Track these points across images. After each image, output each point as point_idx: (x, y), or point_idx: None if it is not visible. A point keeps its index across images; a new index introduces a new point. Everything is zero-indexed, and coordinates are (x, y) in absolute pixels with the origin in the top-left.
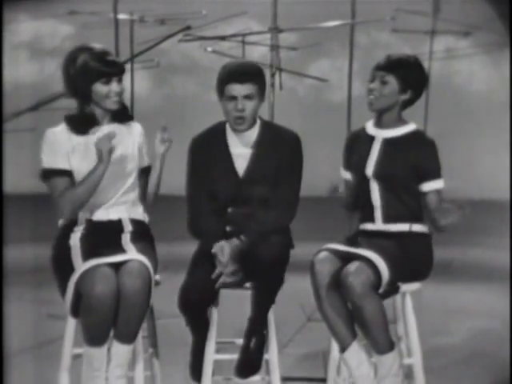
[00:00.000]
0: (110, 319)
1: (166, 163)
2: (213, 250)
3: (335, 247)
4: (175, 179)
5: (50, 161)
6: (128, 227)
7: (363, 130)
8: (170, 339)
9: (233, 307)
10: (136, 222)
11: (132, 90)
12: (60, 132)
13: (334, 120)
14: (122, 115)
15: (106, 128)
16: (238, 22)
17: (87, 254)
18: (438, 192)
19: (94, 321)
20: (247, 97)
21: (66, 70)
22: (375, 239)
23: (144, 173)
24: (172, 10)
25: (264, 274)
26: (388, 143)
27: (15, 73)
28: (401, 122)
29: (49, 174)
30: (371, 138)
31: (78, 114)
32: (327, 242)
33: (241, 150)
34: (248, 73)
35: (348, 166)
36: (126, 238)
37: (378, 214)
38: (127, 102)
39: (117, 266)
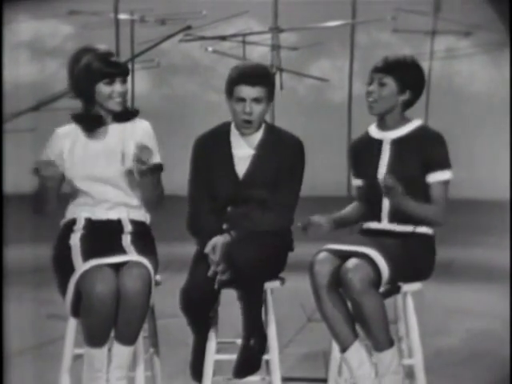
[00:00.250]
0: (110, 319)
1: (165, 162)
2: (205, 250)
3: (335, 247)
4: (176, 179)
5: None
6: (128, 228)
7: (367, 135)
8: (171, 339)
9: (233, 307)
10: (136, 223)
11: (132, 90)
12: (61, 133)
13: (334, 120)
14: (124, 115)
15: (110, 128)
16: (238, 21)
17: (87, 254)
18: (444, 183)
19: (93, 321)
20: (256, 100)
21: (70, 70)
22: (378, 237)
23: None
24: (172, 10)
25: (239, 279)
26: (397, 143)
27: (15, 73)
28: (404, 120)
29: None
30: (378, 142)
31: (84, 114)
32: (327, 242)
33: (243, 152)
34: (259, 76)
35: (358, 173)
36: (126, 239)
37: (386, 213)
38: (127, 102)
39: (117, 267)
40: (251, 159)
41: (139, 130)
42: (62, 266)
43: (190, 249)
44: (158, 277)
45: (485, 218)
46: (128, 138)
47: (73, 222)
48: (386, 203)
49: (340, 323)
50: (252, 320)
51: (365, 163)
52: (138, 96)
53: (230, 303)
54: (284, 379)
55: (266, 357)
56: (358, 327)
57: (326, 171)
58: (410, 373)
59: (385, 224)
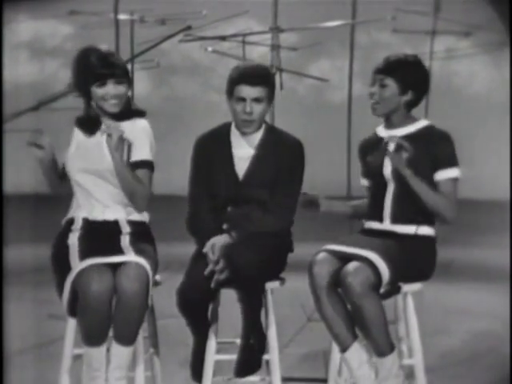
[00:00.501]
0: (107, 319)
1: (165, 163)
2: (204, 249)
3: (334, 248)
4: (175, 179)
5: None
6: (126, 229)
7: (375, 135)
8: (171, 339)
9: (233, 307)
10: (135, 223)
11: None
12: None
13: (334, 120)
14: (120, 115)
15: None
16: (238, 22)
17: (84, 254)
18: (452, 181)
19: (90, 320)
20: (256, 100)
21: (71, 70)
22: (379, 238)
23: (135, 167)
24: (172, 10)
25: (239, 281)
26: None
27: (15, 73)
28: (411, 119)
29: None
30: (385, 141)
31: (84, 115)
32: (327, 242)
33: (243, 152)
34: (259, 76)
35: (365, 172)
36: (125, 240)
37: (387, 213)
38: (126, 103)
39: (115, 267)
40: (251, 159)
41: (137, 127)
42: (60, 265)
43: (189, 249)
44: (157, 277)
45: (485, 218)
46: (126, 134)
47: (72, 221)
48: (388, 203)
49: (339, 324)
50: (252, 320)
51: (372, 162)
52: (137, 96)
53: (230, 303)
54: (284, 379)
55: (265, 357)
56: (357, 329)
57: (325, 171)
58: (409, 373)
59: (386, 224)
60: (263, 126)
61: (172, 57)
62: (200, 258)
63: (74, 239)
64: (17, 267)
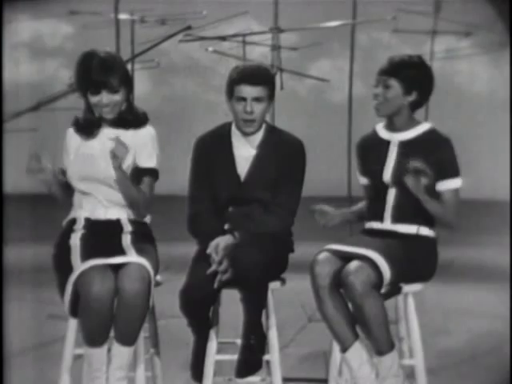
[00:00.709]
0: (109, 319)
1: (165, 163)
2: (207, 250)
3: (336, 248)
4: (176, 179)
5: (61, 162)
6: (127, 228)
7: (375, 134)
8: (171, 340)
9: (234, 307)
10: (136, 223)
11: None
12: (68, 133)
13: (334, 120)
14: (123, 122)
15: (105, 131)
16: (238, 22)
17: (86, 254)
18: (455, 191)
19: (91, 320)
20: (257, 99)
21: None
22: (380, 238)
23: (138, 174)
24: (172, 11)
25: (245, 282)
26: (404, 146)
27: (15, 73)
28: (414, 122)
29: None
30: (386, 142)
31: (82, 117)
32: (328, 242)
33: (244, 153)
34: (259, 75)
35: (364, 171)
36: (126, 239)
37: (388, 214)
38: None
39: (116, 268)
40: (252, 159)
41: (143, 133)
42: (62, 265)
43: (190, 249)
44: (158, 277)
45: (485, 218)
46: (128, 140)
47: (74, 221)
48: (389, 203)
49: (341, 324)
50: (253, 320)
51: (371, 162)
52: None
53: (230, 303)
54: (284, 379)
55: (266, 357)
56: (358, 329)
57: (326, 171)
58: (410, 374)
59: (387, 224)
60: (264, 126)
61: (172, 57)
62: (202, 258)
63: (75, 239)
64: (17, 267)
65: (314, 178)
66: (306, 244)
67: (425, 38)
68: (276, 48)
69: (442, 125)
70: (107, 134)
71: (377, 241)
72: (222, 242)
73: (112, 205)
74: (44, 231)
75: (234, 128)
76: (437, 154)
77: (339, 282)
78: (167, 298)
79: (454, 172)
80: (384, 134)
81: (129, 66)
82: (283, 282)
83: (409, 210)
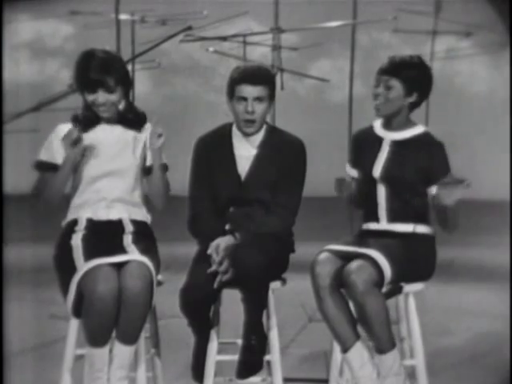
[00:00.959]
0: (112, 319)
1: (166, 163)
2: (208, 251)
3: (336, 248)
4: (176, 179)
5: (47, 155)
6: (129, 228)
7: (371, 130)
8: (172, 340)
9: (234, 307)
10: (137, 223)
11: (133, 91)
12: (65, 129)
13: (334, 120)
14: (122, 121)
15: (102, 127)
16: (239, 22)
17: (89, 255)
18: None
19: (95, 321)
20: (258, 99)
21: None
22: (379, 238)
23: (148, 173)
24: (173, 11)
25: (246, 282)
26: (396, 145)
27: (15, 73)
28: (409, 124)
29: (43, 167)
30: (380, 140)
31: (81, 113)
32: (328, 242)
33: (245, 153)
34: (260, 75)
35: (355, 164)
36: (127, 239)
37: (383, 213)
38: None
39: (118, 267)
40: (253, 159)
41: (145, 132)
42: (64, 266)
43: (190, 249)
44: (159, 277)
45: (485, 218)
46: (128, 138)
47: (74, 222)
48: (382, 202)
49: (342, 324)
50: (254, 321)
51: (363, 156)
52: (138, 96)
53: (230, 303)
54: (285, 380)
55: (267, 357)
56: (359, 328)
57: (326, 171)
58: (411, 373)
59: (384, 224)
60: (264, 127)
61: (173, 57)
62: (202, 259)
63: (77, 240)
64: (17, 267)
65: (314, 178)
66: (307, 244)
67: (425, 38)
68: (276, 48)
69: (442, 125)
70: (106, 129)
71: (376, 240)
72: (222, 242)
73: (113, 202)
74: (44, 231)
75: (234, 128)
76: (428, 158)
77: (340, 282)
78: (168, 298)
79: (445, 176)
80: (379, 131)
81: (129, 67)
82: (284, 282)
83: (402, 208)
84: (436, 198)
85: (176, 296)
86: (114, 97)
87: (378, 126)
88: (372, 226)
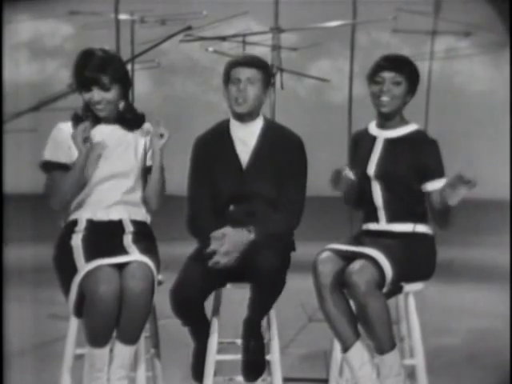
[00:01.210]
0: (113, 320)
1: (165, 163)
2: (213, 233)
3: (338, 247)
4: (175, 179)
5: (52, 154)
6: (129, 228)
7: (366, 130)
8: (172, 339)
9: (234, 307)
10: (137, 223)
11: (133, 90)
12: (66, 128)
13: (334, 120)
14: (122, 121)
15: (101, 127)
16: (238, 22)
17: (89, 255)
18: None
19: (96, 321)
20: (250, 80)
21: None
22: (379, 239)
23: (147, 173)
24: (173, 11)
25: (264, 283)
26: (390, 143)
27: (15, 73)
28: (403, 122)
29: (50, 167)
30: (373, 138)
31: (81, 112)
32: (329, 242)
33: (244, 140)
34: (254, 60)
35: (352, 165)
36: (127, 239)
37: (381, 213)
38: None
39: (119, 267)
40: (253, 147)
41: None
42: (64, 266)
43: (190, 249)
44: (160, 276)
45: (485, 218)
46: (129, 138)
47: (74, 223)
48: (379, 202)
49: (342, 323)
50: (255, 321)
51: (358, 156)
52: (138, 96)
53: (230, 303)
54: (285, 379)
55: (266, 357)
56: (360, 328)
57: (326, 171)
58: (411, 373)
59: (383, 225)
60: (262, 118)
61: (172, 57)
62: (198, 257)
63: (77, 240)
64: (17, 267)
65: (314, 177)
66: (306, 244)
67: (425, 38)
68: (276, 48)
69: (442, 124)
70: (104, 130)
71: (376, 240)
72: (233, 231)
73: (114, 204)
74: (44, 231)
75: (232, 120)
76: (421, 155)
77: (341, 282)
78: (167, 298)
79: (439, 173)
80: (373, 130)
81: (129, 67)
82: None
83: (399, 208)
84: (441, 197)
85: None
86: (109, 95)
87: (372, 126)
88: (372, 226)
